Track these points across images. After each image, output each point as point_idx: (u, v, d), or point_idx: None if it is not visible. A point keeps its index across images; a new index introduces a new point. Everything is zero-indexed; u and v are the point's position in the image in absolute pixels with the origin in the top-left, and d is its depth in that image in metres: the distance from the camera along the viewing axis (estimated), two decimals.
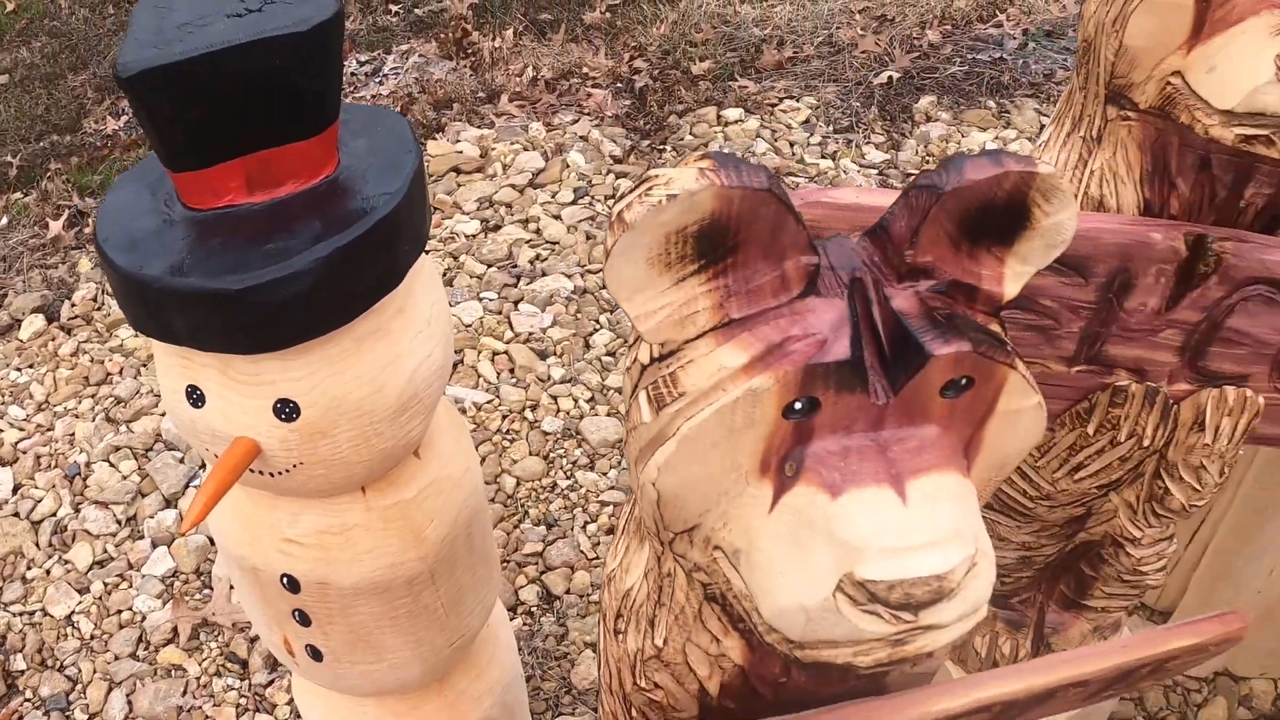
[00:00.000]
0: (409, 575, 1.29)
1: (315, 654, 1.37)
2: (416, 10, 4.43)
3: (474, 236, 3.00)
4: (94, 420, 2.53)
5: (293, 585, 1.27)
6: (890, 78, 3.56)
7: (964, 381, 0.68)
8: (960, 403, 0.69)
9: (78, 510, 2.33)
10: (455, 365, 2.61)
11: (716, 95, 3.51)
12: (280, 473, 1.12)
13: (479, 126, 3.50)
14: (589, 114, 3.46)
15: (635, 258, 0.66)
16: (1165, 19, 1.13)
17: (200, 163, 0.96)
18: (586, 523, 2.29)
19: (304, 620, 1.32)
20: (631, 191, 0.65)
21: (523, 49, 4.01)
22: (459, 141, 3.40)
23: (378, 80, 4.10)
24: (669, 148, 3.28)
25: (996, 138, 3.30)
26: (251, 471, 1.12)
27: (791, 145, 3.25)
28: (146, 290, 0.95)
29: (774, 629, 0.71)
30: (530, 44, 4.04)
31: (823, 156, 3.22)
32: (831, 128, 3.35)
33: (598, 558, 2.24)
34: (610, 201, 3.06)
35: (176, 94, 0.91)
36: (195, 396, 1.07)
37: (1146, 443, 1.34)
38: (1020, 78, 3.65)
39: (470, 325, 2.70)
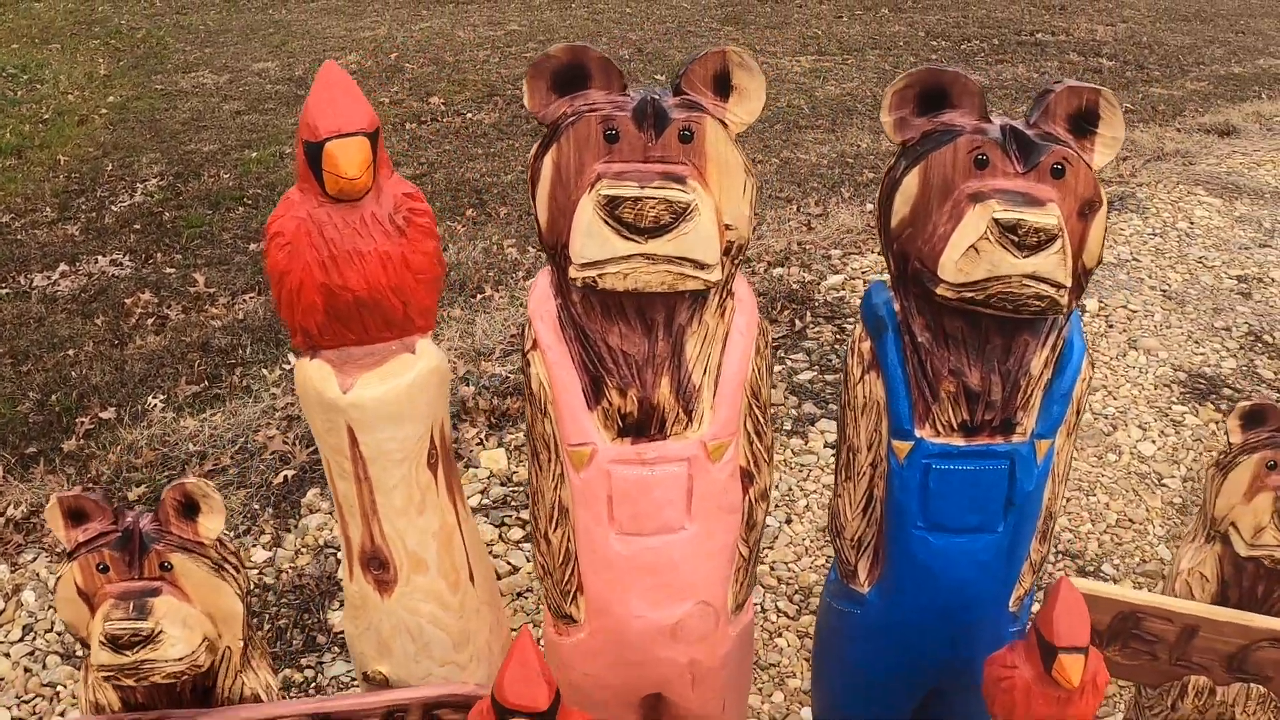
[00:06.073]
0: None
1: None
2: None
3: None
4: None
5: None
6: (286, 476, 4.67)
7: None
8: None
9: None
10: None
11: None
12: None
13: None
14: (47, 550, 4.41)
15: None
16: None
17: None
18: None
19: None
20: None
21: (8, 486, 4.86)
22: None
23: None
24: None
25: None
26: None
27: None
28: None
29: None
30: (15, 481, 4.90)
31: None
32: (233, 534, 4.41)
33: None
34: (49, 634, 4.03)
35: None
36: None
37: None
38: None
39: None
